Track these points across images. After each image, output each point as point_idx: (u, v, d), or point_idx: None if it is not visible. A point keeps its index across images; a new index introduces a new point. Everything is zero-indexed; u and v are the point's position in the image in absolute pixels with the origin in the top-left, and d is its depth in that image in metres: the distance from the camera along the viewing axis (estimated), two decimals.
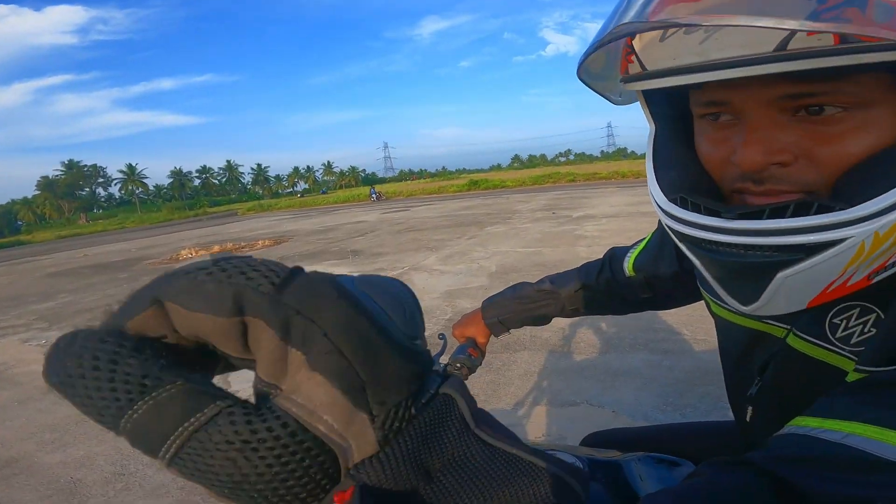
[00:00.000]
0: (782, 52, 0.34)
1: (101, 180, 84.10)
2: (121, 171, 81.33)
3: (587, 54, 0.45)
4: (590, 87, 0.54)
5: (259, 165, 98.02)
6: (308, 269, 0.25)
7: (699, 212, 0.43)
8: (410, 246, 9.35)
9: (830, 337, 0.47)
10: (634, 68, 0.44)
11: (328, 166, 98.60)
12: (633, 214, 10.14)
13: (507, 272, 6.08)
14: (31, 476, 2.57)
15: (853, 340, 0.46)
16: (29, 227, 69.65)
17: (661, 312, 3.79)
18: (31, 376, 4.07)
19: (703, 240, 0.43)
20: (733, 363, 0.65)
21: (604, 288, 0.93)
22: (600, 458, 0.79)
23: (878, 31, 0.30)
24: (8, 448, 2.91)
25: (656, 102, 0.53)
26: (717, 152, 0.46)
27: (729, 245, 0.41)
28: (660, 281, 0.85)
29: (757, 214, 0.40)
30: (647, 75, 0.43)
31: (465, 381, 0.93)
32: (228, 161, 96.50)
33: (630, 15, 0.36)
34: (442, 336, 1.03)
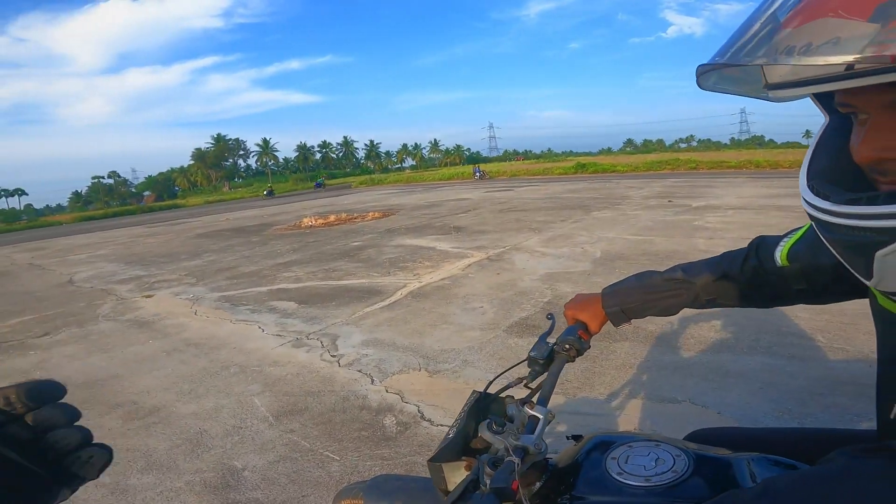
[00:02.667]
0: (851, 69, 0.39)
1: (241, 152, 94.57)
2: (257, 145, 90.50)
3: (706, 70, 0.50)
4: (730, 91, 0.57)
5: (371, 142, 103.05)
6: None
7: (817, 195, 0.49)
8: (513, 226, 9.30)
9: None
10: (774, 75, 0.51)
11: (434, 144, 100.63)
12: (765, 207, 9.04)
13: (613, 259, 5.81)
14: (167, 425, 2.84)
15: None
16: (184, 193, 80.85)
17: (792, 315, 3.40)
18: (178, 328, 4.77)
19: (819, 220, 0.48)
20: (890, 357, 0.62)
21: (749, 278, 0.87)
22: (708, 454, 0.76)
23: None
24: (152, 396, 3.24)
25: (826, 98, 0.56)
26: (856, 144, 0.50)
27: (836, 226, 0.47)
28: (819, 272, 0.78)
29: (857, 200, 0.45)
30: (772, 86, 0.50)
31: (571, 362, 0.94)
32: (345, 137, 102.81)
33: (764, 48, 0.41)
34: (551, 316, 1.03)
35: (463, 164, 71.16)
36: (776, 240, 0.85)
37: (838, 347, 2.92)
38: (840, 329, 3.12)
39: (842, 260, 0.50)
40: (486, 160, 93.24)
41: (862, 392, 2.39)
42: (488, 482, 0.65)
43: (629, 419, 2.47)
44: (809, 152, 0.55)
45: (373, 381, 3.15)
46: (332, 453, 2.41)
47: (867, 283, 0.48)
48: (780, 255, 0.82)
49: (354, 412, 2.78)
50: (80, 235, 19.75)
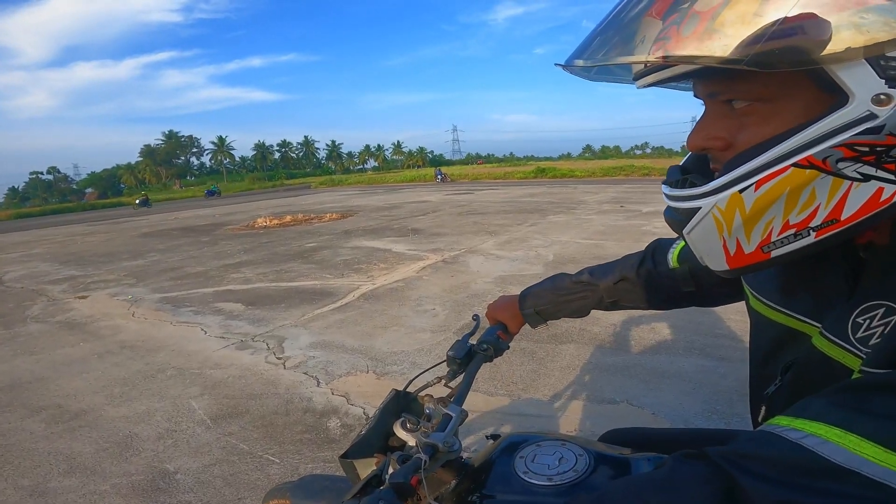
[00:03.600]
0: (645, 66, 0.46)
1: (195, 150, 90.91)
2: (212, 143, 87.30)
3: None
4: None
5: (333, 142, 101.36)
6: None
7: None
8: (470, 229, 9.37)
9: (851, 337, 0.46)
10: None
11: (397, 146, 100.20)
12: None
13: (565, 262, 5.95)
14: (93, 429, 2.71)
15: (872, 342, 0.44)
16: (130, 191, 76.87)
17: (725, 318, 3.57)
18: (113, 330, 4.52)
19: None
20: (760, 360, 0.64)
21: (644, 280, 0.89)
22: (609, 454, 0.78)
23: (681, 49, 0.37)
24: (79, 400, 3.07)
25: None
26: None
27: (667, 208, 0.53)
28: (703, 273, 0.81)
29: (671, 184, 0.51)
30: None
31: (489, 362, 0.95)
32: (306, 137, 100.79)
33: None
34: (476, 317, 1.04)
35: (426, 167, 71.19)
36: (670, 242, 0.87)
37: None
38: None
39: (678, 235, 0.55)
40: (449, 163, 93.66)
41: None
42: (388, 477, 0.64)
43: (570, 420, 2.52)
44: None
45: (318, 383, 3.08)
46: (272, 456, 2.34)
47: (699, 259, 0.53)
48: (672, 256, 0.85)
49: (298, 415, 2.71)
50: (15, 233, 18.41)
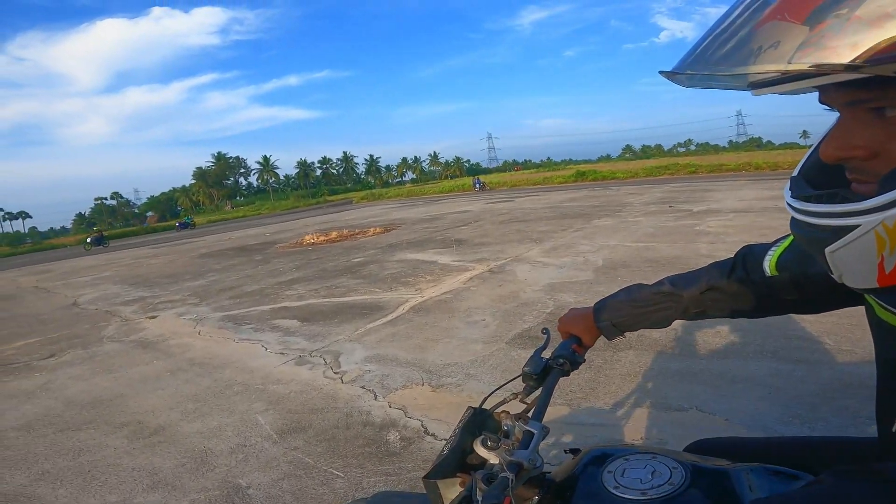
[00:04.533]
0: (787, 74, 0.40)
1: (242, 170, 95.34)
2: (258, 162, 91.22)
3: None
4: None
5: (371, 156, 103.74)
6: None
7: (789, 189, 0.51)
8: (514, 237, 9.31)
9: None
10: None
11: (434, 156, 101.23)
12: (766, 210, 9.04)
13: (616, 267, 5.80)
14: (172, 444, 2.84)
15: None
16: (186, 212, 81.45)
17: (798, 318, 3.37)
18: (182, 348, 4.76)
19: (791, 215, 0.50)
20: (891, 372, 0.60)
21: (736, 289, 0.84)
22: (705, 465, 0.75)
23: (826, 58, 0.34)
24: (157, 416, 3.23)
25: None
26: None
27: (796, 222, 0.49)
28: (809, 282, 0.76)
29: (808, 198, 0.47)
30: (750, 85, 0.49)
31: (566, 377, 0.94)
32: (345, 152, 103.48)
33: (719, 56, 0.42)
34: (546, 331, 1.03)
35: (463, 176, 71.45)
36: (764, 248, 0.83)
37: (846, 350, 2.89)
38: (847, 331, 3.09)
39: (811, 253, 0.51)
40: (486, 171, 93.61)
41: (873, 395, 2.35)
42: (481, 498, 0.64)
43: (635, 429, 2.44)
44: (809, 150, 0.55)
45: (376, 396, 3.13)
46: (336, 470, 2.39)
47: (833, 276, 0.49)
48: (769, 264, 0.80)
49: (358, 428, 2.76)
50: (85, 257, 19.86)
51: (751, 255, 0.84)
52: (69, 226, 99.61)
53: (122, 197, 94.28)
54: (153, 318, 6.28)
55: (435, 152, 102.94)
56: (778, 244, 0.82)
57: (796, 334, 3.21)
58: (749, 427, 2.30)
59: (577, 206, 13.88)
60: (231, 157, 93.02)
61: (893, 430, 0.58)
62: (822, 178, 0.52)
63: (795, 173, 0.54)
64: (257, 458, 2.59)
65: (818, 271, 0.74)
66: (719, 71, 0.40)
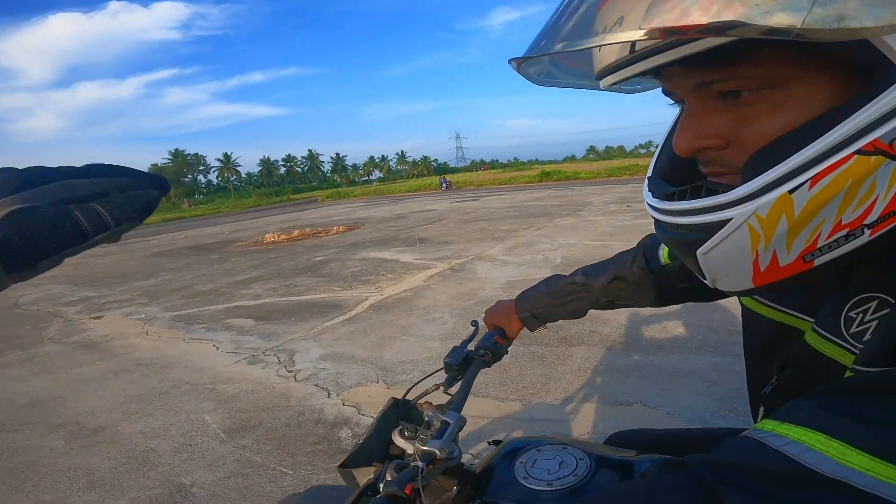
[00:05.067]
0: (634, 53, 0.39)
1: (201, 168, 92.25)
2: (218, 160, 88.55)
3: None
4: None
5: (337, 155, 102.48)
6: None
7: (649, 191, 0.48)
8: (477, 235, 9.37)
9: (844, 332, 0.44)
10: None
11: (402, 156, 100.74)
12: None
13: (573, 265, 5.89)
14: (111, 445, 2.75)
15: (866, 337, 0.42)
16: None
17: (737, 313, 3.51)
18: (128, 348, 4.57)
19: (653, 218, 0.47)
20: (756, 359, 0.61)
21: (637, 278, 0.88)
22: (611, 457, 0.77)
23: (683, 20, 0.30)
24: (97, 417, 3.12)
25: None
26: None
27: (663, 224, 0.45)
28: None
29: (672, 196, 0.43)
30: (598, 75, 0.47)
31: (489, 367, 0.95)
32: (310, 150, 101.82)
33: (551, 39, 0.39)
34: (475, 323, 1.04)
35: (430, 175, 71.42)
36: None
37: None
38: None
39: (681, 259, 0.47)
40: (454, 171, 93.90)
41: None
42: (382, 486, 0.64)
43: (583, 424, 2.50)
44: (658, 147, 0.53)
45: (329, 394, 3.09)
46: (285, 468, 2.35)
47: (706, 282, 0.46)
48: (664, 253, 0.84)
49: (310, 426, 2.72)
50: None
51: (650, 244, 0.88)
52: None
53: None
54: (98, 318, 5.99)
55: (403, 151, 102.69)
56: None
57: (735, 329, 3.35)
58: (689, 420, 2.40)
59: (541, 206, 14.11)
60: (189, 154, 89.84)
61: (758, 420, 0.58)
62: (677, 175, 0.49)
63: (650, 173, 0.51)
64: (203, 457, 2.52)
65: None
66: (567, 48, 0.36)
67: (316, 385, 3.25)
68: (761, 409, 0.58)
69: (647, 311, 3.75)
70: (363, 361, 3.57)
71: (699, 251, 0.42)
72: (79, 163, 0.37)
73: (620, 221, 9.27)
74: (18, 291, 9.13)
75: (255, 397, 3.17)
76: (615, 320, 3.71)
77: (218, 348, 4.25)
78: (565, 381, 2.94)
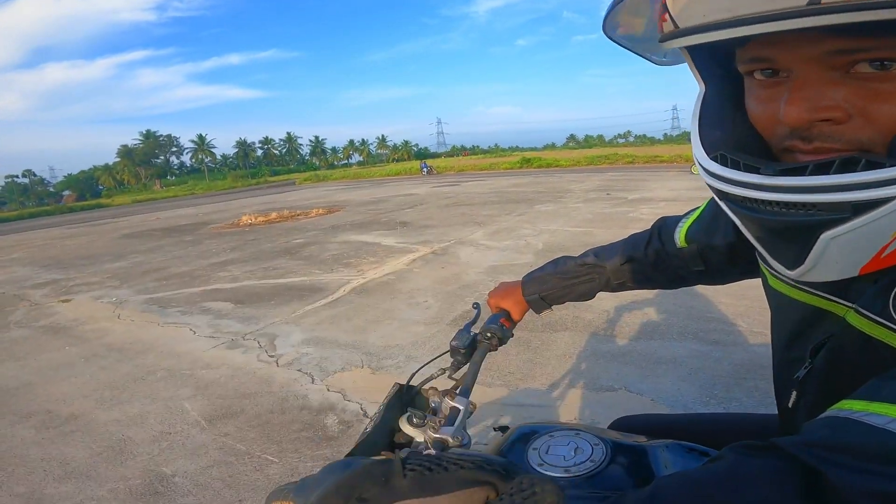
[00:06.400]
0: (815, 5, 0.32)
1: (174, 149, 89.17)
2: (192, 141, 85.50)
3: (611, 9, 0.47)
4: (624, 45, 0.55)
5: (317, 138, 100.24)
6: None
7: (738, 168, 0.42)
8: (458, 220, 9.34)
9: (893, 314, 0.42)
10: (668, 27, 0.43)
11: (382, 140, 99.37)
12: (693, 199, 9.60)
13: (554, 250, 5.96)
14: (86, 434, 2.65)
15: None
16: (109, 192, 74.97)
17: (716, 301, 3.60)
18: (99, 333, 4.41)
19: (743, 197, 0.42)
20: (785, 343, 0.60)
21: (652, 260, 0.87)
22: (625, 442, 0.76)
23: None
24: (69, 404, 3.01)
25: (704, 62, 0.52)
26: (766, 110, 0.45)
27: (769, 203, 0.40)
28: (713, 253, 0.78)
29: (799, 171, 0.38)
30: (678, 33, 0.42)
31: (494, 351, 0.92)
32: (289, 133, 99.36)
33: None
34: (476, 305, 1.02)
35: (411, 160, 70.83)
36: (676, 220, 0.85)
37: (758, 332, 3.12)
38: (759, 314, 3.34)
39: (756, 242, 0.45)
40: (435, 156, 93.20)
41: None
42: None
43: (569, 409, 2.52)
44: (695, 126, 0.50)
45: (313, 380, 3.04)
46: (270, 455, 2.31)
47: (788, 272, 0.43)
48: (679, 235, 0.83)
49: (294, 413, 2.67)
50: None
51: (665, 227, 0.86)
52: None
53: (35, 175, 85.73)
54: (66, 301, 5.77)
55: (383, 135, 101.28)
56: (688, 216, 0.84)
57: (714, 316, 3.43)
58: (672, 406, 2.44)
59: (522, 192, 14.14)
60: (162, 136, 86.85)
61: (790, 404, 0.58)
62: (747, 154, 0.45)
63: (706, 152, 0.47)
64: (183, 446, 2.45)
65: (721, 243, 0.75)
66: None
67: (299, 370, 3.20)
68: (793, 393, 0.57)
69: (629, 296, 3.79)
70: (347, 346, 3.53)
71: (828, 233, 0.38)
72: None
73: (600, 209, 9.36)
74: None
75: (235, 383, 3.09)
76: (598, 306, 3.74)
77: (195, 332, 4.14)
78: (550, 366, 2.96)
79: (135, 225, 15.92)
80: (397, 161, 75.42)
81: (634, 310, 3.67)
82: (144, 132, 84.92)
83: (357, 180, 35.92)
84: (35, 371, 3.62)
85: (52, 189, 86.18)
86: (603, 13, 0.49)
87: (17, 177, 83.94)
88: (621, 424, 0.96)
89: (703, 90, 0.52)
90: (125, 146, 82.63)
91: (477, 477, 0.31)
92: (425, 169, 35.00)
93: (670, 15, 0.42)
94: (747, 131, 0.47)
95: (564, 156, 37.80)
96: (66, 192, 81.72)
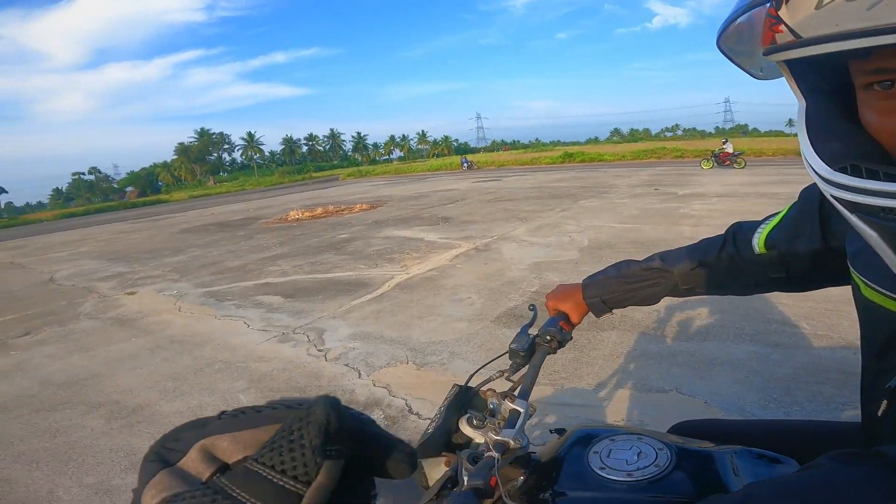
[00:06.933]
0: None
1: (226, 146, 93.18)
2: (242, 139, 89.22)
3: (730, 22, 0.45)
4: (731, 59, 0.53)
5: (358, 134, 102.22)
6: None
7: (877, 178, 0.40)
8: (500, 216, 9.29)
9: None
10: (784, 38, 0.42)
11: (422, 135, 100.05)
12: (749, 195, 9.13)
13: (601, 247, 5.82)
14: (151, 424, 2.78)
15: None
16: (168, 188, 79.42)
17: (776, 302, 3.42)
18: (162, 325, 4.68)
19: (884, 208, 0.40)
20: (876, 352, 0.59)
21: (726, 266, 0.84)
22: (690, 448, 0.74)
23: None
24: (135, 396, 3.17)
25: (805, 76, 0.50)
26: (890, 121, 0.43)
27: None
28: (796, 260, 0.75)
29: None
30: (803, 42, 0.40)
31: (553, 354, 0.92)
32: (332, 129, 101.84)
33: None
34: (533, 307, 1.01)
35: (451, 155, 70.93)
36: (753, 226, 0.82)
37: (822, 334, 2.95)
38: (824, 316, 3.15)
39: (892, 254, 0.43)
40: (475, 150, 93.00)
41: (846, 381, 2.41)
42: (466, 479, 0.62)
43: (617, 411, 2.47)
44: (805, 139, 0.49)
45: (360, 374, 3.12)
46: None
47: None
48: (758, 241, 0.80)
49: None
50: (62, 233, 19.34)
51: (741, 232, 0.84)
52: (46, 201, 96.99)
53: (100, 172, 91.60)
54: (132, 294, 6.16)
55: (423, 131, 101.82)
56: (767, 222, 0.81)
57: (774, 318, 3.26)
58: (727, 410, 2.34)
59: (564, 187, 13.89)
60: (215, 133, 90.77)
61: (880, 413, 0.56)
62: (869, 159, 0.44)
63: (827, 163, 0.45)
64: None
65: (805, 249, 0.72)
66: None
67: (346, 365, 3.28)
68: (884, 402, 0.55)
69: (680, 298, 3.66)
70: (392, 341, 3.59)
71: None
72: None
73: (648, 204, 9.06)
74: (53, 266, 9.46)
75: (287, 376, 3.21)
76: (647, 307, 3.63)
77: (249, 326, 4.32)
78: (597, 366, 2.91)
79: (191, 220, 16.75)
80: (438, 156, 75.73)
81: (687, 310, 3.54)
82: (199, 130, 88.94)
83: (398, 175, 36.31)
84: (103, 362, 3.88)
85: (115, 185, 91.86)
86: (719, 26, 0.48)
87: (83, 174, 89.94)
88: (682, 429, 0.94)
89: (804, 105, 0.50)
90: (182, 144, 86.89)
91: None
92: (466, 164, 34.95)
93: (787, 26, 0.41)
94: (865, 142, 0.46)
95: (608, 150, 36.77)
96: (129, 189, 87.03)
